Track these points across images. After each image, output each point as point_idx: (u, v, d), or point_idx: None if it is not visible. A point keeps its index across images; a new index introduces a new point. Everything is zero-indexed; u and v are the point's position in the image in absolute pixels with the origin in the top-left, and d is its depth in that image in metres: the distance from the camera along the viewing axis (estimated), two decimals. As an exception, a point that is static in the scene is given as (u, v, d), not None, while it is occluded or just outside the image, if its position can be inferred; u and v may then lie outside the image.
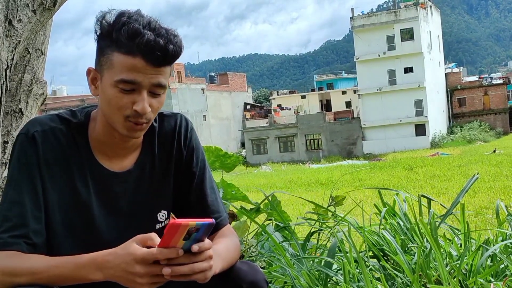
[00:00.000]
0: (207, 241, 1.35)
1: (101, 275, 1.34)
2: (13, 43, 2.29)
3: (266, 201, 3.31)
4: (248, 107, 70.75)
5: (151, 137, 1.63)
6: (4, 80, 2.28)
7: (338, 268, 2.51)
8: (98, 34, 1.47)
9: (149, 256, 1.29)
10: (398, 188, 3.17)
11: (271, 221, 3.51)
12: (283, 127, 60.85)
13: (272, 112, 67.79)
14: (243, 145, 63.16)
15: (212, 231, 1.64)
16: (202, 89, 60.86)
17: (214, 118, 61.18)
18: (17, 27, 2.27)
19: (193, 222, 1.26)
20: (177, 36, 1.44)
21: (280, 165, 48.59)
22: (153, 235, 1.34)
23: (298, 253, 2.65)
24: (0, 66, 2.23)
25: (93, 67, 1.51)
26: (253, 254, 3.16)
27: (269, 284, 2.30)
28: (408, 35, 55.79)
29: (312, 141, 59.58)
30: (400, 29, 55.79)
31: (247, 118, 66.52)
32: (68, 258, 1.38)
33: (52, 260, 1.38)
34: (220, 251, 1.47)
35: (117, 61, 1.42)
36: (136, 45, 1.39)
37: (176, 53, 1.44)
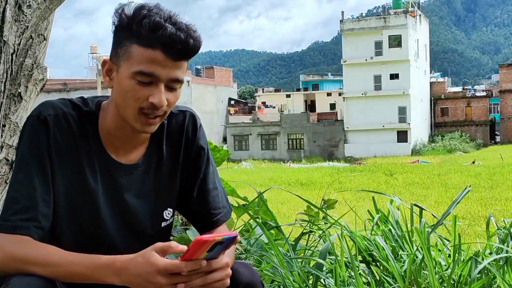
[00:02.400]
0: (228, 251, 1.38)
1: (118, 280, 1.34)
2: (21, 28, 2.29)
3: (252, 198, 3.33)
4: (232, 102, 70.71)
5: (159, 133, 1.62)
6: (10, 64, 2.28)
7: (327, 271, 2.54)
8: (116, 25, 1.46)
9: (172, 268, 1.30)
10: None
11: (257, 219, 3.53)
12: (266, 124, 60.95)
13: (256, 109, 67.84)
14: (225, 140, 63.10)
15: (211, 227, 1.68)
16: (187, 81, 60.62)
17: (198, 111, 58.61)
18: (26, 12, 2.27)
19: (219, 237, 1.28)
20: (196, 31, 1.44)
21: (261, 162, 48.66)
22: (173, 243, 1.34)
23: (287, 253, 2.68)
24: (7, 50, 2.23)
25: (108, 59, 1.50)
26: (238, 251, 3.18)
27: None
28: (396, 41, 56.22)
29: (294, 140, 59.76)
30: (389, 36, 56.20)
31: (231, 114, 66.50)
32: (85, 257, 1.37)
33: (69, 256, 1.38)
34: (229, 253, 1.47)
35: (136, 53, 1.42)
36: (157, 38, 1.40)
37: (196, 48, 1.44)
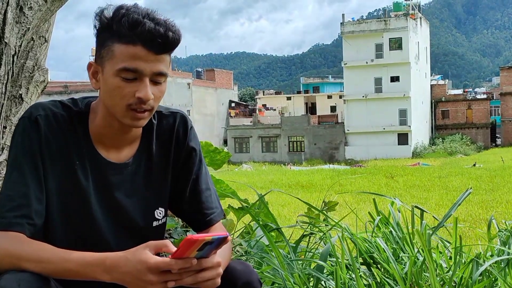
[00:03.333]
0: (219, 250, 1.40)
1: (109, 277, 1.35)
2: (22, 30, 2.29)
3: (252, 200, 3.33)
4: (233, 104, 70.76)
5: (149, 133, 1.65)
6: (11, 66, 2.29)
7: (328, 273, 2.54)
8: (97, 28, 1.50)
9: (163, 266, 1.32)
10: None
11: (257, 221, 3.52)
12: (267, 127, 60.99)
13: (257, 111, 67.89)
14: (225, 142, 63.11)
15: (205, 227, 1.70)
16: (188, 84, 60.74)
17: (198, 114, 61.04)
18: (27, 14, 2.28)
19: (209, 237, 1.29)
20: (174, 25, 1.48)
21: (261, 165, 48.63)
22: (167, 242, 1.36)
23: (288, 255, 2.68)
24: (8, 52, 2.23)
25: (94, 62, 1.54)
26: (238, 253, 3.19)
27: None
28: (396, 44, 56.26)
29: (295, 143, 59.79)
30: (389, 38, 56.26)
31: (231, 116, 66.55)
32: (76, 254, 1.39)
33: (60, 252, 1.39)
34: (222, 252, 1.48)
35: (118, 51, 1.46)
36: (137, 34, 1.43)
37: (175, 40, 1.48)
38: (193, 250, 1.31)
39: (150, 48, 1.44)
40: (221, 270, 1.40)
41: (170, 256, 1.33)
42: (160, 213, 1.68)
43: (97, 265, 1.36)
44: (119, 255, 1.36)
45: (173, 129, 1.67)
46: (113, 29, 1.45)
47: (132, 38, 1.43)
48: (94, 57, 1.56)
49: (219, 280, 1.40)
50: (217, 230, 1.69)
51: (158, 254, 1.36)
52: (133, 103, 1.48)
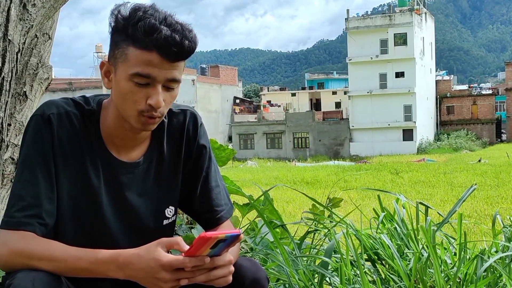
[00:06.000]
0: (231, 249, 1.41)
1: (122, 274, 1.36)
2: (26, 27, 2.29)
3: (256, 197, 3.33)
4: (237, 101, 70.72)
5: (159, 131, 1.63)
6: (15, 63, 2.28)
7: (332, 269, 2.55)
8: (112, 27, 1.47)
9: (177, 264, 1.32)
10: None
11: (263, 217, 3.52)
12: (272, 123, 60.96)
13: (261, 107, 67.85)
14: (230, 139, 63.13)
15: (215, 224, 1.69)
16: (193, 80, 60.70)
17: (203, 110, 61.00)
18: (31, 11, 2.28)
19: (222, 234, 1.29)
20: (191, 31, 1.45)
21: (266, 161, 48.65)
22: (179, 239, 1.36)
23: (293, 252, 2.68)
24: (12, 49, 2.23)
25: (107, 61, 1.51)
26: (243, 250, 3.19)
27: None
28: (401, 40, 56.08)
29: (299, 139, 59.75)
30: (394, 34, 56.07)
31: (236, 112, 66.53)
32: (89, 251, 1.39)
33: (72, 251, 1.39)
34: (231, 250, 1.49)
35: (132, 55, 1.43)
36: (152, 41, 1.40)
37: (191, 49, 1.45)
38: (206, 248, 1.31)
39: (165, 56, 1.42)
40: (232, 268, 1.41)
41: (183, 253, 1.33)
42: (170, 212, 1.68)
43: (110, 262, 1.37)
44: (132, 252, 1.36)
45: (183, 127, 1.66)
46: (129, 31, 1.42)
47: (147, 44, 1.41)
48: (107, 55, 1.53)
49: (230, 278, 1.41)
50: (227, 228, 1.69)
51: (168, 251, 1.36)
52: (144, 110, 1.46)
